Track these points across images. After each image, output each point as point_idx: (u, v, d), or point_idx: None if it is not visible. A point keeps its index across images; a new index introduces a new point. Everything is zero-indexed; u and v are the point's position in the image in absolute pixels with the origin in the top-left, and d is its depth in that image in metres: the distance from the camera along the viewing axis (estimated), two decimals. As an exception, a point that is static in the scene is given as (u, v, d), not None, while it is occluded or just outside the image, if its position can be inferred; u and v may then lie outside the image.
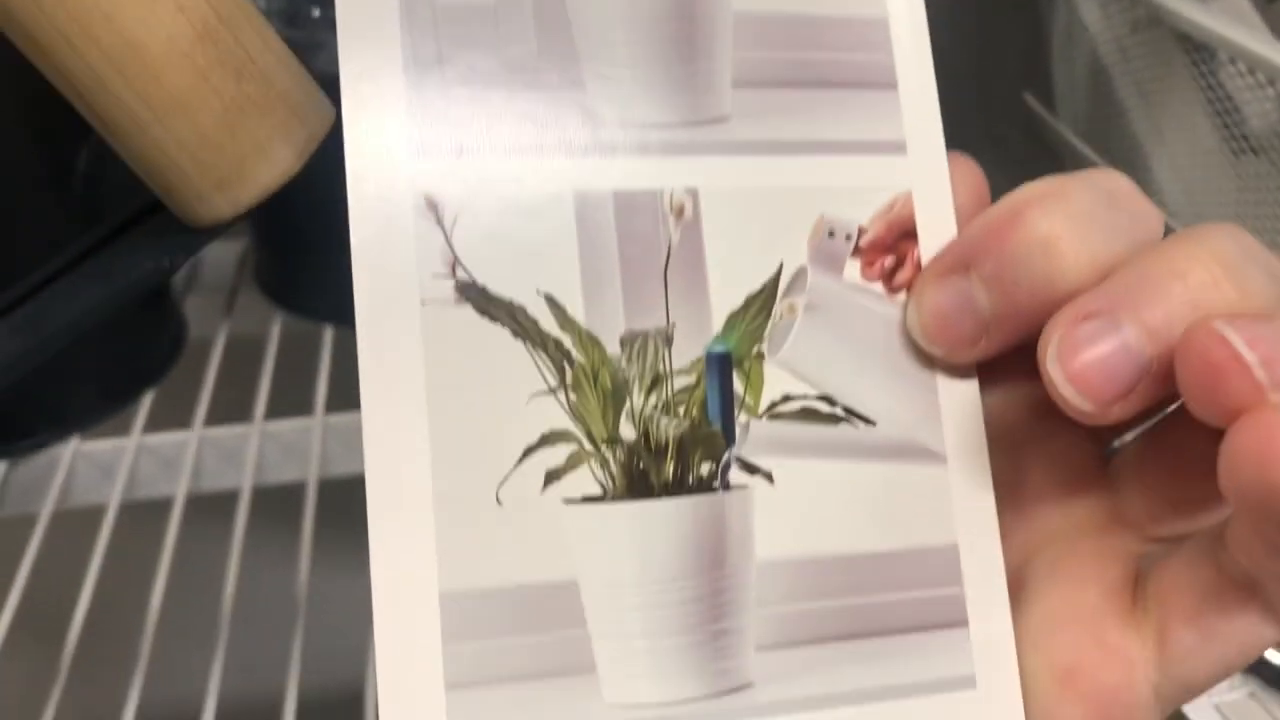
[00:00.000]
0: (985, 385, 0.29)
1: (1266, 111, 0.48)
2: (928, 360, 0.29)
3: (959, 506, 0.29)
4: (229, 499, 0.67)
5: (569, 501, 0.28)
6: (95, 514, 0.66)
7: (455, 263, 0.27)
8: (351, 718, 0.57)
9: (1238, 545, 0.25)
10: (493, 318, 0.28)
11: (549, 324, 0.28)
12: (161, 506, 0.66)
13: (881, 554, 0.29)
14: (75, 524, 0.67)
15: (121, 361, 0.71)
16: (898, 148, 0.29)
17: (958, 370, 0.29)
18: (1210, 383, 0.22)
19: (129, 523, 0.66)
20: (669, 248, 0.29)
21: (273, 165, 0.27)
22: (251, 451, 0.68)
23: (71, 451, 0.71)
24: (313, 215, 0.72)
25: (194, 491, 0.67)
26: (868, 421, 0.30)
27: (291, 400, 0.72)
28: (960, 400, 0.29)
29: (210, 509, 0.68)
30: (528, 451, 0.27)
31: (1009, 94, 0.70)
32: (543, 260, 0.28)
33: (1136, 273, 0.25)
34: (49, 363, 0.73)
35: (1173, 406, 0.27)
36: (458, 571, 0.26)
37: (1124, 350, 0.24)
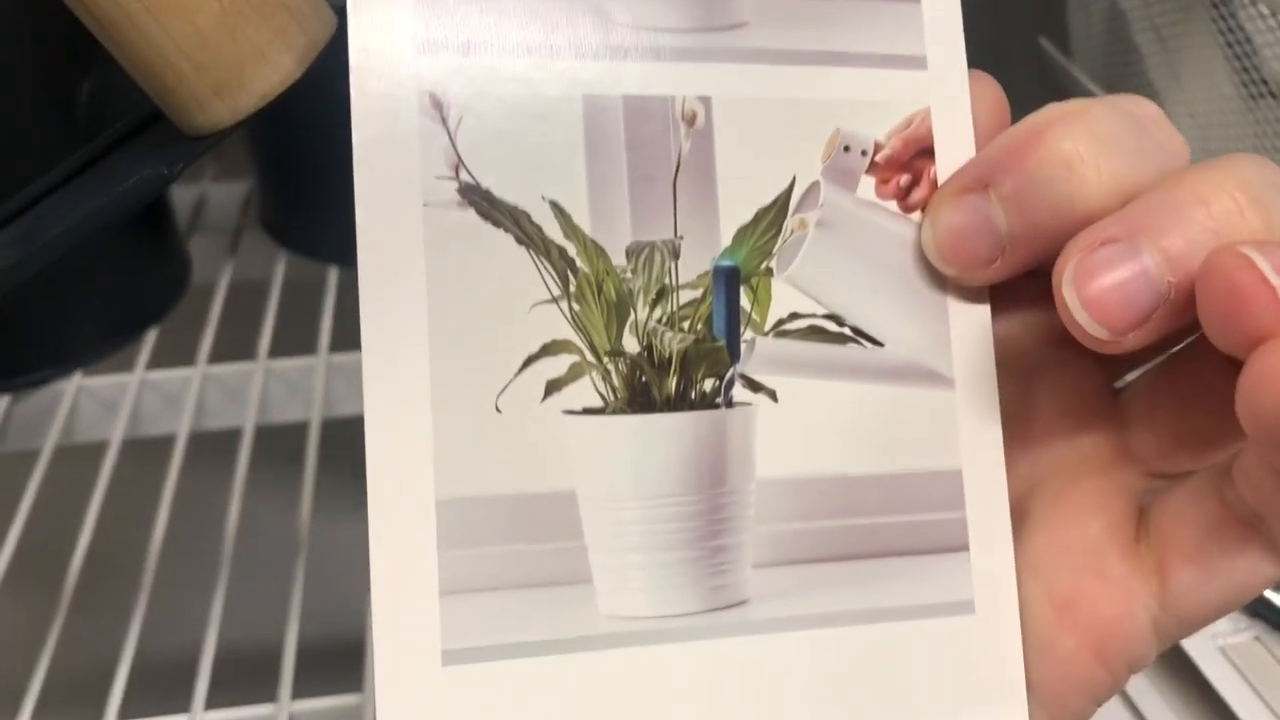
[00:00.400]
0: (997, 310, 0.29)
1: (1286, 54, 0.47)
2: (940, 281, 0.29)
3: (964, 432, 0.28)
4: (232, 437, 0.66)
5: (569, 413, 0.27)
6: (97, 450, 0.66)
7: (459, 164, 0.27)
8: (354, 659, 0.57)
9: (1245, 480, 0.24)
10: (496, 223, 0.27)
11: (553, 231, 0.27)
12: (164, 444, 0.65)
13: (884, 476, 0.28)
14: (77, 460, 0.67)
15: (125, 299, 0.71)
16: (918, 62, 0.29)
17: (970, 293, 0.28)
18: (1233, 308, 0.22)
19: (131, 459, 0.65)
20: (679, 157, 0.28)
21: (273, 71, 0.26)
22: (255, 390, 0.68)
23: (74, 387, 0.71)
24: (317, 157, 0.71)
25: (196, 429, 0.67)
26: (875, 342, 0.29)
27: (295, 339, 0.71)
28: (971, 324, 0.28)
29: (213, 447, 0.67)
30: (529, 360, 0.27)
31: (1024, 38, 0.69)
32: (549, 165, 0.27)
33: (1159, 198, 0.24)
34: (52, 298, 0.73)
35: (1186, 341, 0.27)
36: (455, 478, 0.26)
37: (1143, 276, 0.24)
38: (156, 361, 0.70)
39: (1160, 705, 0.48)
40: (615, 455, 0.27)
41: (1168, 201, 0.24)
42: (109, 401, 0.68)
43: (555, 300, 0.27)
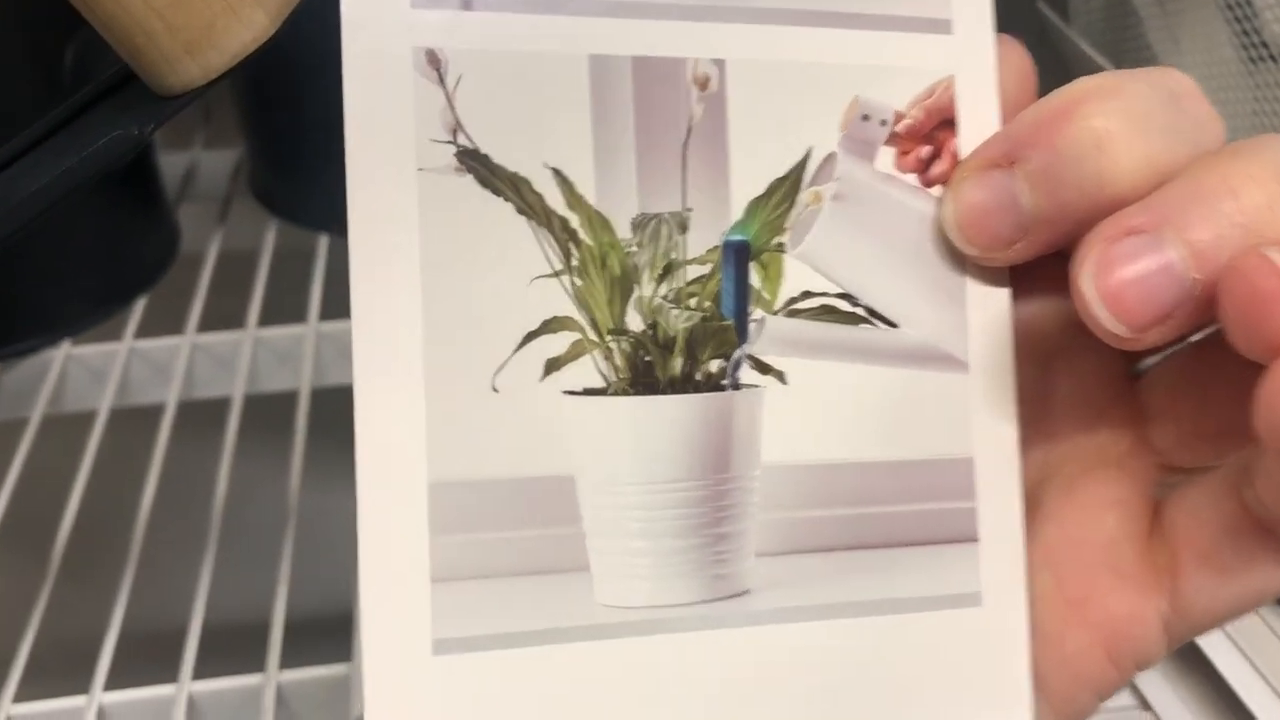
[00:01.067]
0: (1016, 292, 0.28)
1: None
2: (959, 261, 0.27)
3: (978, 419, 0.27)
4: (221, 406, 0.65)
5: (569, 393, 0.26)
6: (86, 419, 0.65)
7: (457, 127, 0.25)
8: (342, 631, 0.56)
9: (1266, 486, 0.23)
10: (495, 190, 0.26)
11: (556, 201, 0.26)
12: (152, 413, 0.64)
13: (893, 463, 0.27)
14: (65, 429, 0.66)
15: (113, 267, 0.70)
16: (943, 26, 0.27)
17: (990, 274, 0.27)
18: (1254, 314, 0.21)
19: (119, 429, 0.64)
20: (690, 124, 0.27)
21: (245, 28, 0.25)
22: (244, 358, 0.67)
23: (63, 356, 0.70)
24: (307, 120, 0.70)
25: (185, 398, 0.66)
26: (889, 323, 0.28)
27: (285, 308, 0.70)
28: (989, 307, 0.27)
29: (202, 416, 0.67)
30: (528, 338, 0.26)
31: (1021, 3, 0.67)
32: (552, 130, 0.26)
33: (1187, 186, 0.23)
34: (41, 266, 0.72)
35: (1210, 330, 0.25)
36: (448, 460, 0.25)
37: (1166, 271, 0.23)
38: (145, 330, 0.69)
39: (1157, 680, 0.47)
40: (616, 438, 0.26)
41: (1197, 190, 0.23)
42: (98, 370, 0.67)
43: (556, 275, 0.26)
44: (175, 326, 0.69)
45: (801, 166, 0.27)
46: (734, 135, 0.27)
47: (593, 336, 0.26)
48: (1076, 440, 0.28)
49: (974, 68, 0.27)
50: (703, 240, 0.27)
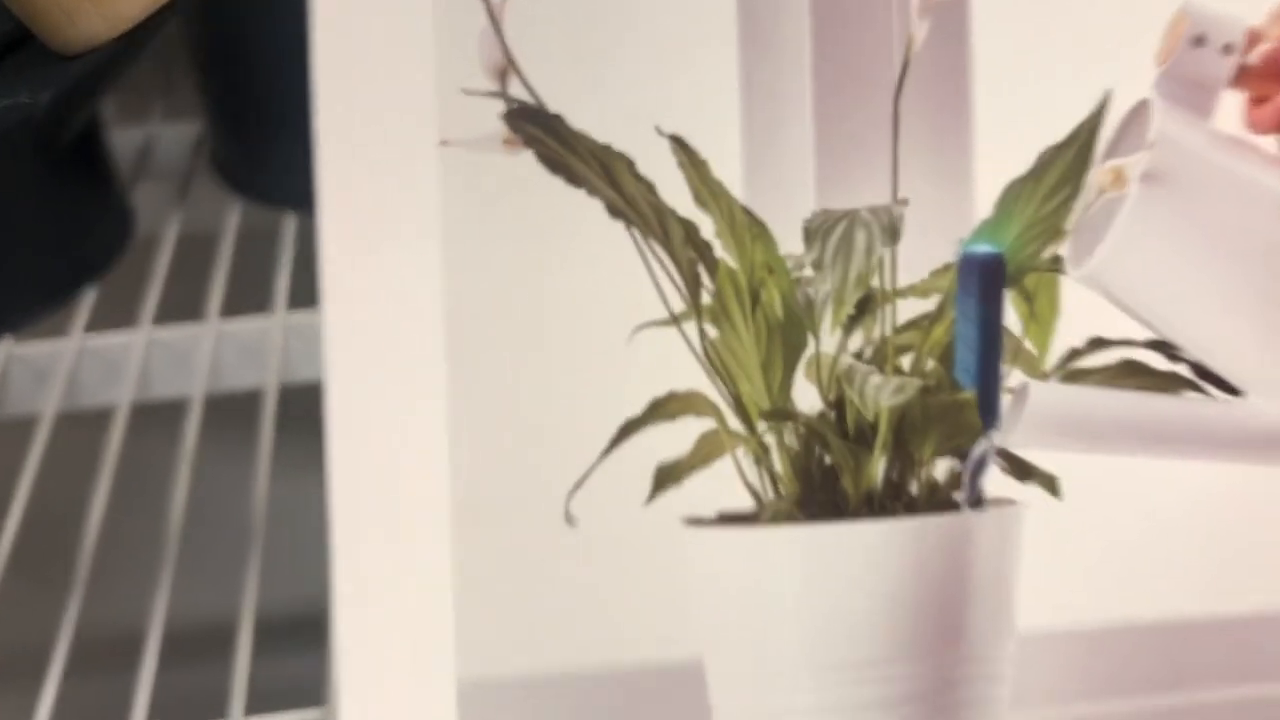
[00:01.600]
0: None
1: None
2: None
3: None
4: (179, 407, 0.61)
5: (694, 522, 0.19)
6: (29, 424, 0.60)
7: (507, 66, 0.18)
8: (312, 641, 0.50)
9: None
10: (572, 176, 0.18)
11: (674, 192, 0.19)
12: (104, 415, 0.59)
13: (1233, 622, 0.21)
14: (7, 436, 0.61)
15: (59, 255, 0.65)
16: None
17: None
18: None
19: (68, 433, 0.60)
20: (905, 55, 0.19)
21: None
22: (204, 354, 0.62)
23: (4, 355, 0.65)
24: (275, 76, 0.64)
25: (140, 399, 0.62)
26: (1233, 390, 0.21)
27: (250, 297, 0.66)
28: None
29: (158, 418, 0.63)
30: (626, 430, 0.19)
31: None
32: (668, 72, 0.18)
33: None
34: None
35: None
36: (486, 650, 0.19)
37: None
38: (95, 322, 0.65)
39: None
40: (776, 593, 0.19)
41: None
42: (42, 370, 0.63)
43: (674, 321, 0.19)
44: (128, 318, 0.65)
45: (1092, 127, 0.20)
46: (980, 75, 0.20)
47: (736, 425, 0.19)
48: None
49: None
50: (925, 254, 0.20)
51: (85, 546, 0.52)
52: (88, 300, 0.67)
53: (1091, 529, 0.20)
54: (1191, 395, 0.21)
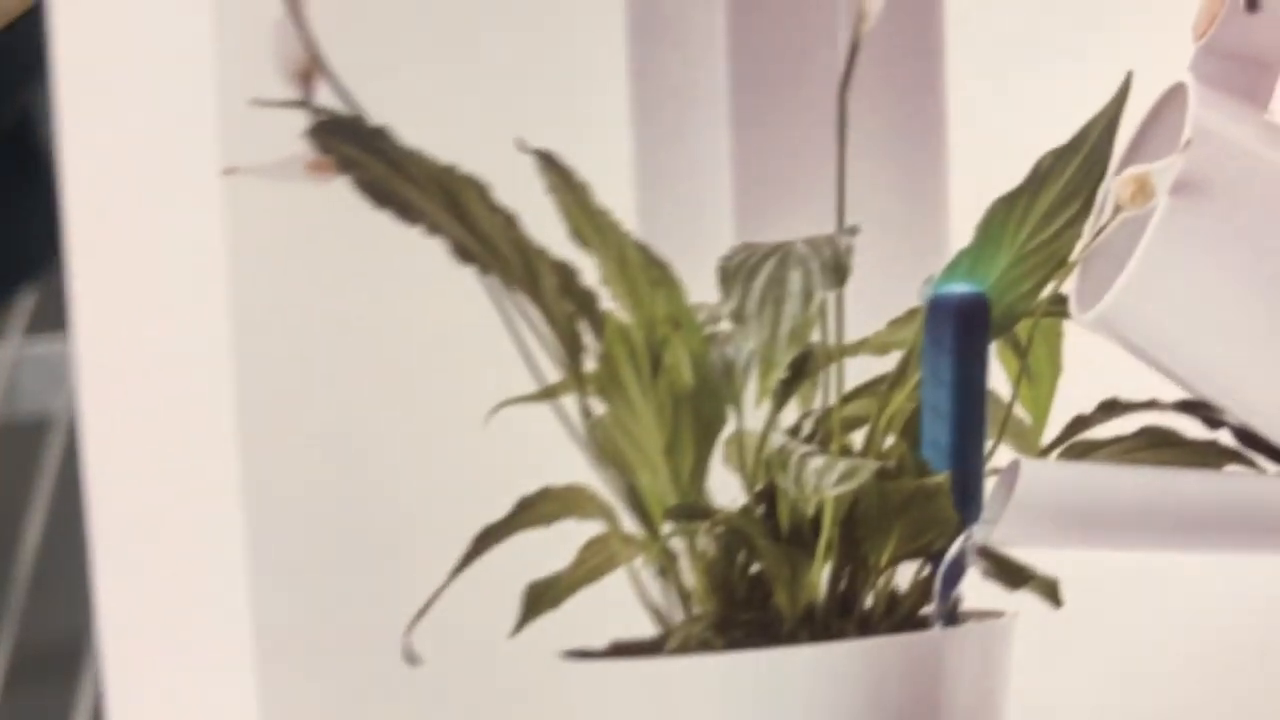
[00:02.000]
0: None
1: None
2: None
3: None
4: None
5: (578, 656, 0.15)
6: None
7: (313, 66, 0.14)
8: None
9: None
10: (403, 207, 0.14)
11: (544, 226, 0.15)
12: (45, 425, 0.57)
13: None
14: None
15: None
16: None
17: None
18: None
19: (6, 445, 0.58)
20: (854, 33, 0.15)
21: None
22: None
23: None
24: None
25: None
26: None
27: None
28: None
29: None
30: (484, 541, 0.15)
31: None
32: (534, 61, 0.15)
33: None
34: None
35: None
36: None
37: None
38: (34, 329, 0.63)
39: None
40: None
41: None
42: None
43: (547, 394, 0.15)
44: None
45: (1107, 122, 0.16)
46: (956, 57, 0.16)
47: (633, 528, 0.15)
48: None
49: None
50: (882, 298, 0.16)
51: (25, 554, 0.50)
52: (24, 304, 0.65)
53: (1100, 644, 0.17)
54: (1236, 469, 0.17)
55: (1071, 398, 0.17)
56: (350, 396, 0.14)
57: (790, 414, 0.16)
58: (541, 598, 0.15)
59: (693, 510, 0.15)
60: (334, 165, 0.14)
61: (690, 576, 0.15)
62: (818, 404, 0.16)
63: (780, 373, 0.16)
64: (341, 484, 0.14)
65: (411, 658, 0.15)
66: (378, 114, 0.14)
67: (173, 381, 0.14)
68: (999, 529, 0.17)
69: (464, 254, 0.15)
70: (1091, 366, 0.17)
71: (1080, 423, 0.17)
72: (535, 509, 0.15)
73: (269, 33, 0.14)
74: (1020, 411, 0.17)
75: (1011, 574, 0.17)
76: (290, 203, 0.14)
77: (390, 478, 0.14)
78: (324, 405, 0.14)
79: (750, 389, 0.16)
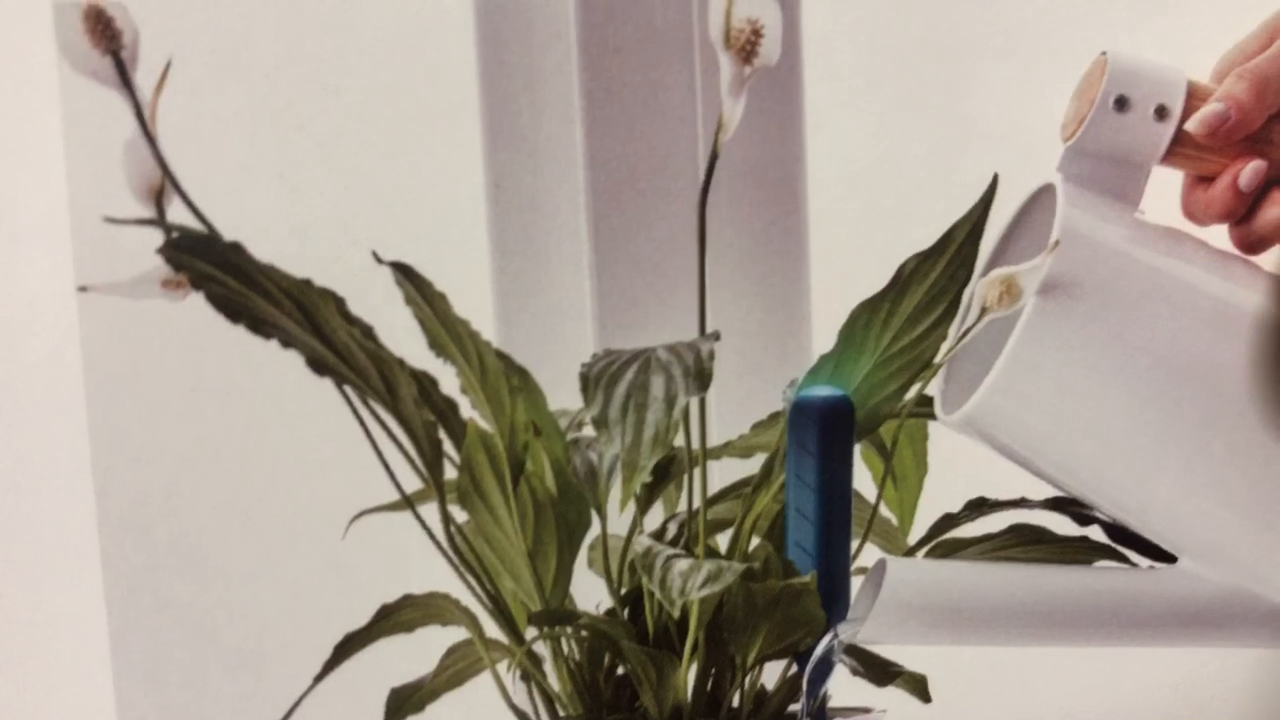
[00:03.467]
0: None
1: None
2: None
3: None
4: None
5: None
6: None
7: (165, 182, 0.13)
8: None
9: None
10: (257, 321, 0.13)
11: (400, 334, 0.14)
12: None
13: None
14: None
15: None
16: None
17: None
18: None
19: None
20: (714, 142, 0.15)
21: None
22: None
23: None
24: None
25: None
26: (1163, 556, 0.16)
27: None
28: None
29: None
30: (345, 648, 0.14)
31: None
32: (388, 172, 0.15)
33: None
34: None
35: None
36: None
37: None
38: None
39: None
40: None
41: None
42: None
43: (405, 504, 0.14)
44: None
45: (973, 224, 0.15)
46: (816, 160, 0.14)
47: (494, 632, 0.15)
48: None
49: None
50: (746, 402, 0.15)
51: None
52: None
53: None
54: (1107, 564, 0.16)
55: (939, 497, 0.16)
56: (208, 507, 0.14)
57: (655, 518, 0.15)
58: (405, 703, 0.14)
59: (557, 615, 0.15)
60: (188, 281, 0.14)
61: (556, 680, 0.15)
62: (682, 507, 0.15)
63: (644, 477, 0.14)
64: (200, 596, 0.14)
65: None
66: (231, 229, 0.14)
67: (31, 498, 0.13)
68: (866, 627, 0.16)
69: (320, 366, 0.14)
70: (959, 467, 0.16)
71: (948, 521, 0.16)
72: (397, 616, 0.14)
73: (120, 151, 0.14)
74: (887, 511, 0.16)
75: (879, 671, 0.16)
76: (145, 319, 0.14)
77: (249, 588, 0.14)
78: (181, 516, 0.14)
79: (614, 493, 0.15)
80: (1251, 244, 0.17)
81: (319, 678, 0.14)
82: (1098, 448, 0.16)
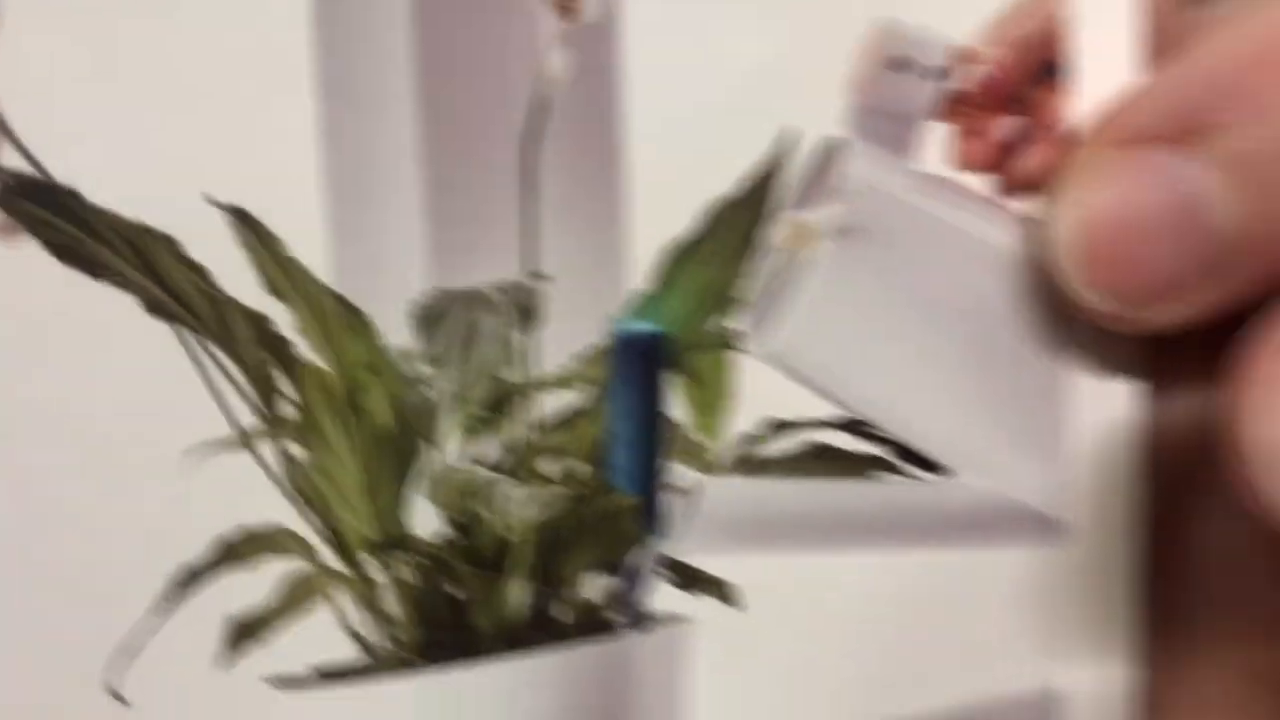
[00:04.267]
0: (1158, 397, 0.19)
1: None
2: (1064, 337, 0.18)
3: (1086, 630, 0.19)
4: None
5: (285, 683, 0.15)
6: None
7: None
8: None
9: None
10: (92, 265, 0.14)
11: (236, 278, 0.15)
12: None
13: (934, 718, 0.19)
14: None
15: None
16: None
17: (1121, 358, 0.18)
18: None
19: None
20: (543, 88, 0.16)
21: None
22: None
23: None
24: None
25: None
26: (935, 469, 0.18)
27: None
28: (1110, 423, 0.18)
29: None
30: (185, 582, 0.15)
31: None
32: (223, 117, 0.14)
33: None
34: None
35: None
36: None
37: None
38: None
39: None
40: None
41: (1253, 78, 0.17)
42: None
43: (242, 442, 0.15)
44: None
45: (771, 173, 0.17)
46: (633, 112, 0.16)
47: (331, 561, 0.15)
48: (1220, 659, 0.21)
49: None
50: (571, 335, 0.16)
51: None
52: None
53: (783, 635, 0.18)
54: (890, 477, 0.18)
55: (746, 422, 0.17)
56: (42, 446, 0.14)
57: (488, 448, 0.16)
58: (244, 632, 0.15)
59: (393, 543, 0.16)
60: (21, 227, 0.14)
61: (393, 605, 0.16)
62: (517, 436, 0.16)
63: (475, 409, 0.16)
64: (33, 528, 0.14)
65: (116, 695, 0.15)
66: (65, 174, 0.14)
67: None
68: (680, 542, 0.18)
69: (156, 308, 0.15)
70: (765, 395, 0.18)
71: (752, 441, 0.17)
72: (235, 549, 0.15)
73: None
74: (698, 436, 0.18)
75: (694, 582, 0.18)
76: None
77: (85, 521, 0.14)
78: (13, 453, 0.14)
79: (447, 423, 0.16)
80: (1011, 190, 0.19)
81: (156, 611, 0.15)
82: (888, 380, 0.18)
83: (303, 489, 0.15)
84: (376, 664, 0.16)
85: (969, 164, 0.19)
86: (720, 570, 0.18)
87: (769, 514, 0.18)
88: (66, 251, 0.14)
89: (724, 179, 0.17)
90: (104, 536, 0.15)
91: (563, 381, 0.16)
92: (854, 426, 0.19)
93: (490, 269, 0.16)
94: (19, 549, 0.14)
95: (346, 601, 0.15)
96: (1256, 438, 0.16)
